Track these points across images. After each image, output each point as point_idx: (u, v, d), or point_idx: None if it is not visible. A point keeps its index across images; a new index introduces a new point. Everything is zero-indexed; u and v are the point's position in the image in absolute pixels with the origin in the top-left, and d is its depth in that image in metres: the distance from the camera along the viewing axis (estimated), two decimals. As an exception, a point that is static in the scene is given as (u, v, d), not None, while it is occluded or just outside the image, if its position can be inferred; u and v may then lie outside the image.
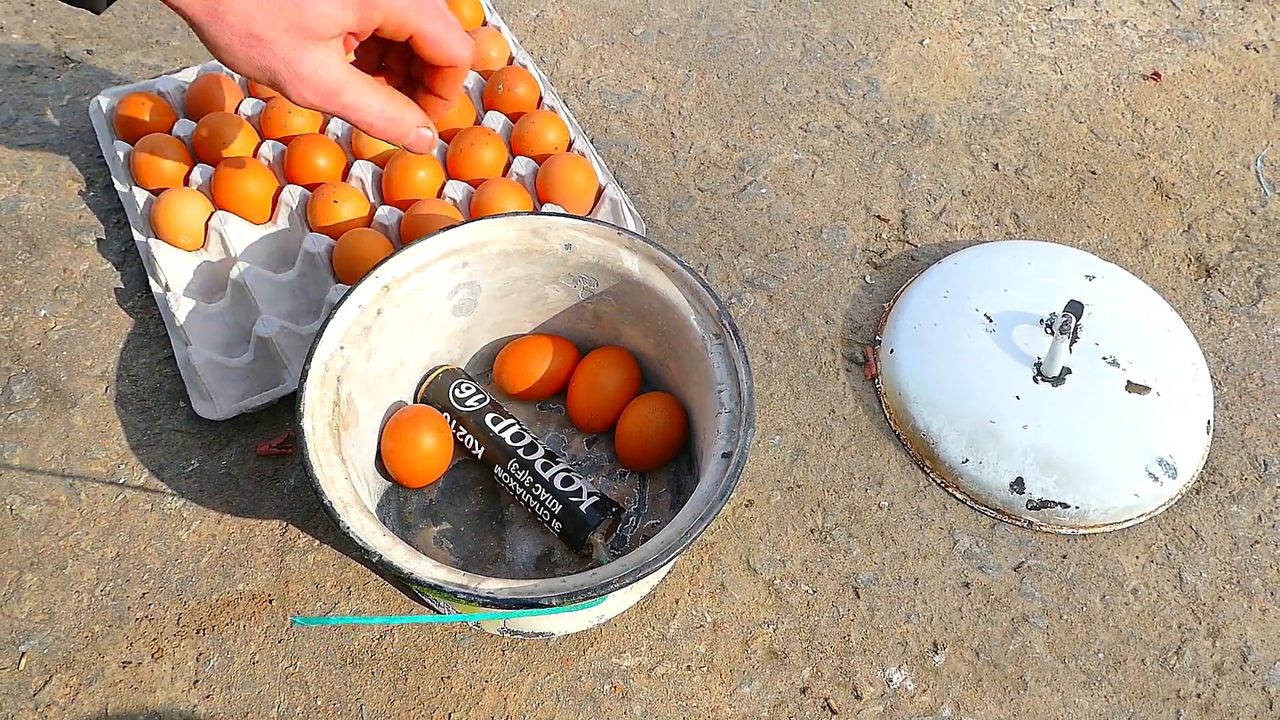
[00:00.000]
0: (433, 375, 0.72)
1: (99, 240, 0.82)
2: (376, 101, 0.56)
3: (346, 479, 0.60)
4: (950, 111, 0.94)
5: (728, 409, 0.62)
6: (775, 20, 1.01)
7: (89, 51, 0.94)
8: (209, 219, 0.77)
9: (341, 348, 0.63)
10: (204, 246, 0.78)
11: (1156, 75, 0.97)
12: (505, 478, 0.69)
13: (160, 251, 0.76)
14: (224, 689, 0.64)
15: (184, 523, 0.70)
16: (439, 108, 0.61)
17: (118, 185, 0.81)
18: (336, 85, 0.55)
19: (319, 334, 0.62)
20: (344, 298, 0.64)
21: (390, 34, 0.56)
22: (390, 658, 0.66)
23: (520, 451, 0.69)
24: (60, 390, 0.75)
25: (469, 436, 0.70)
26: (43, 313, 0.78)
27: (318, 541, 0.70)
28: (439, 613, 0.66)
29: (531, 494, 0.68)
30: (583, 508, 0.67)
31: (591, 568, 0.67)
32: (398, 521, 0.69)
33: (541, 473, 0.68)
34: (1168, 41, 1.01)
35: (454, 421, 0.71)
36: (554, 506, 0.67)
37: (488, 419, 0.70)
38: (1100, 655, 0.67)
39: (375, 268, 0.65)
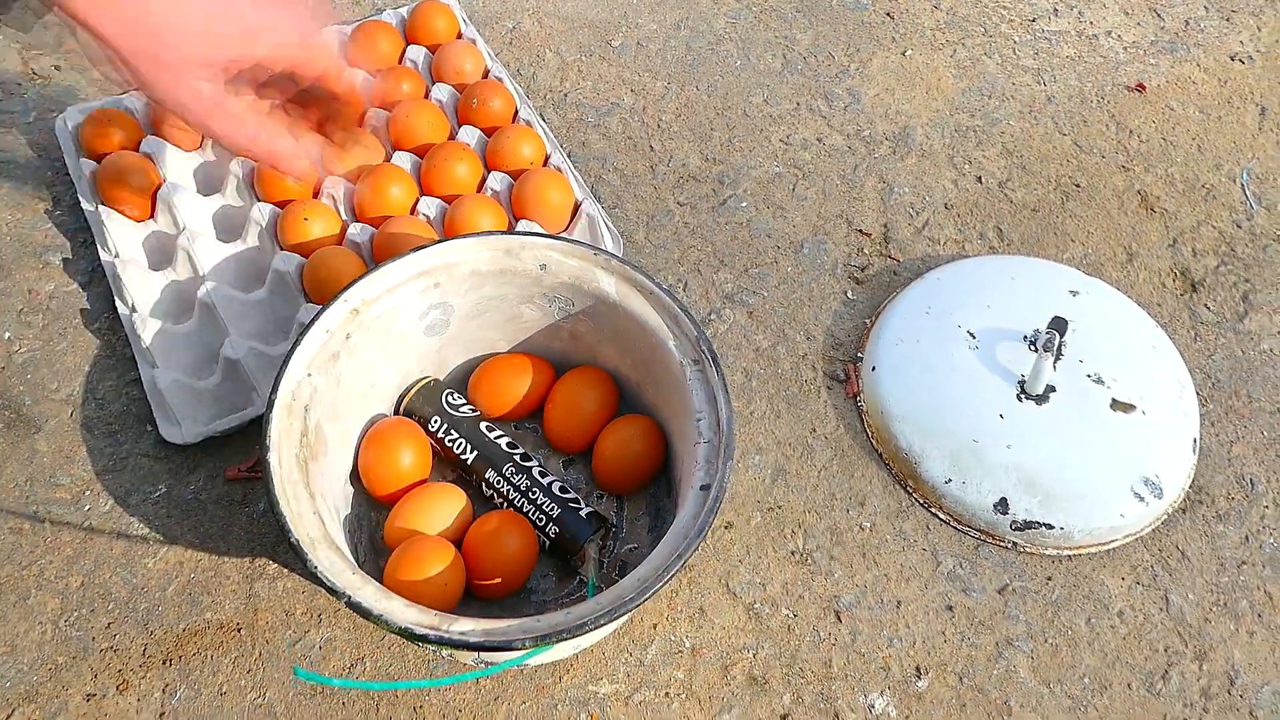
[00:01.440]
0: (422, 383, 0.71)
1: (65, 260, 0.80)
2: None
3: (315, 513, 0.58)
4: (933, 123, 0.93)
5: (706, 438, 0.61)
6: (755, 31, 1.00)
7: (56, 68, 0.93)
8: (178, 238, 0.76)
9: (309, 375, 0.62)
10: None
11: (1141, 87, 0.96)
12: (499, 482, 0.68)
13: (127, 271, 0.74)
14: (190, 722, 0.63)
15: (150, 550, 0.69)
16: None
17: (84, 204, 0.79)
18: (248, 125, 0.58)
19: (285, 361, 0.61)
20: (311, 322, 0.62)
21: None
22: (340, 679, 0.64)
23: (517, 458, 0.68)
24: (24, 415, 0.73)
25: (461, 440, 0.69)
26: (7, 335, 0.77)
27: (286, 569, 0.68)
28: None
29: (528, 498, 0.67)
30: (582, 513, 0.66)
31: (579, 580, 0.66)
32: (369, 548, 0.68)
33: (539, 479, 0.67)
34: (1152, 53, 1.00)
35: (445, 426, 0.69)
36: (552, 511, 0.66)
37: (482, 426, 0.70)
38: (1086, 679, 0.66)
39: (344, 290, 0.64)
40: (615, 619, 0.54)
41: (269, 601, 0.67)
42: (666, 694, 0.65)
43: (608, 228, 0.80)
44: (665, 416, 0.68)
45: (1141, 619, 0.69)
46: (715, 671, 0.66)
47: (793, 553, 0.70)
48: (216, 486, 0.71)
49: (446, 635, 0.53)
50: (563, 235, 0.70)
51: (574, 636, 0.54)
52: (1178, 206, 0.89)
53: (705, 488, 0.59)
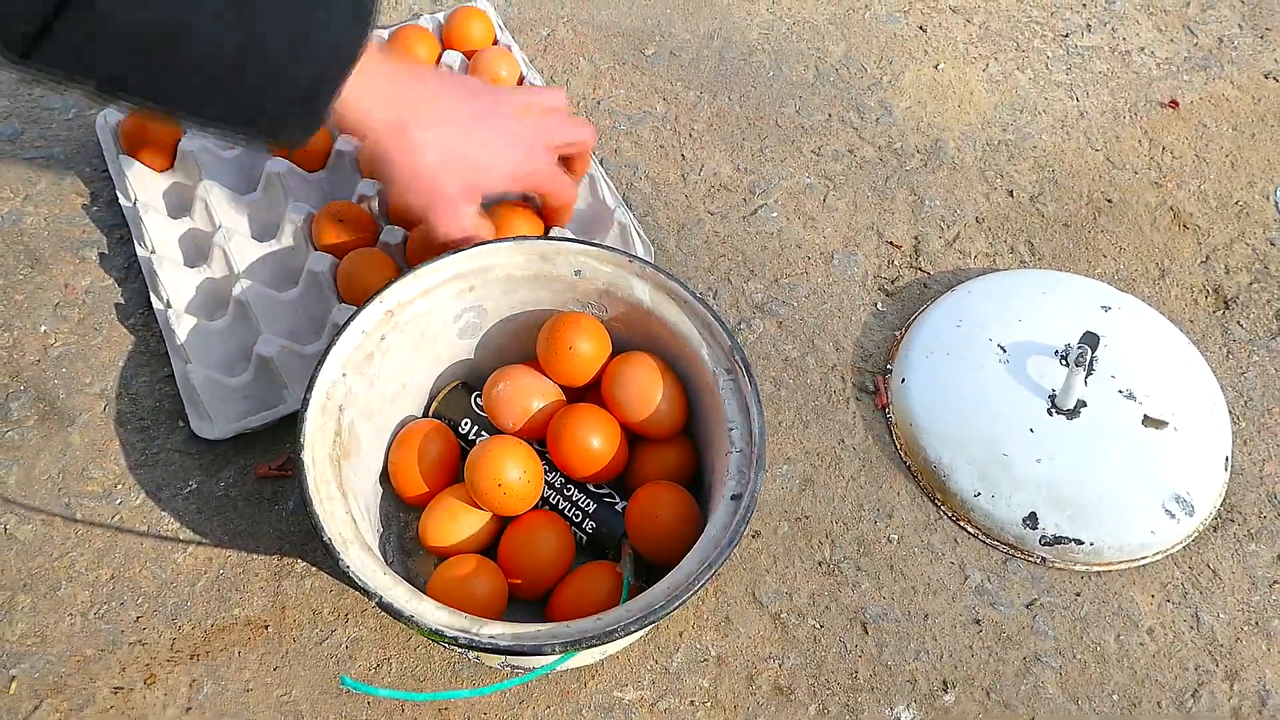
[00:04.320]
0: (450, 387, 0.71)
1: (101, 255, 0.81)
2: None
3: (347, 513, 0.58)
4: (964, 137, 0.93)
5: (738, 448, 0.61)
6: (788, 43, 1.00)
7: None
8: (215, 234, 0.76)
9: (344, 375, 0.62)
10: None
11: (1174, 103, 0.96)
12: None
13: (163, 267, 0.75)
14: (216, 717, 0.63)
15: (180, 545, 0.69)
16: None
17: (121, 200, 0.80)
18: (473, 229, 0.69)
19: (320, 361, 0.61)
20: (347, 323, 0.63)
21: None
22: (387, 689, 0.64)
23: (550, 454, 0.68)
24: (58, 408, 0.74)
25: None
26: (43, 328, 0.77)
27: (315, 567, 0.68)
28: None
29: (563, 495, 0.67)
30: (618, 508, 0.66)
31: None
32: (398, 549, 0.68)
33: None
34: (1186, 69, 1.00)
35: (476, 428, 0.69)
36: (587, 506, 0.67)
37: None
38: (1115, 697, 0.66)
39: (379, 292, 0.64)
40: (645, 626, 0.54)
41: (296, 600, 0.67)
42: (691, 702, 0.65)
43: (639, 235, 0.80)
44: (697, 426, 0.68)
45: (1171, 637, 0.68)
46: (740, 681, 0.66)
47: (820, 563, 0.70)
48: (247, 484, 0.72)
49: (476, 638, 0.53)
50: (597, 241, 0.70)
51: (603, 643, 0.54)
52: (1210, 223, 0.88)
53: (736, 497, 0.59)
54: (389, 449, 0.68)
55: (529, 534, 0.65)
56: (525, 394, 0.67)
